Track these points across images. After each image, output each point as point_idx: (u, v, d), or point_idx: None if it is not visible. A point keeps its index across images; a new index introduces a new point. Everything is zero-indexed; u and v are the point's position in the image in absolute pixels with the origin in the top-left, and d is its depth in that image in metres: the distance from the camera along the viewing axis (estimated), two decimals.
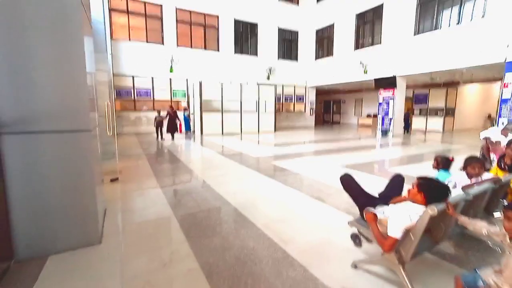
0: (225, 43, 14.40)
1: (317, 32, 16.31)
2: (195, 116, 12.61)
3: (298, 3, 16.48)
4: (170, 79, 13.33)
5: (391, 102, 12.33)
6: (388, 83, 11.97)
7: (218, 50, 14.29)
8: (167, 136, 10.49)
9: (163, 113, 10.53)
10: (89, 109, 2.34)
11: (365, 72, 12.90)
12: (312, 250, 2.41)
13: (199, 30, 13.93)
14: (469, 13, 9.00)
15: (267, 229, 2.78)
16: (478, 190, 2.05)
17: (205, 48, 14.05)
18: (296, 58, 16.91)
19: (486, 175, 2.43)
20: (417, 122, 15.32)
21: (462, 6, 9.24)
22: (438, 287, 1.88)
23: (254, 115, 13.32)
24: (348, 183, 2.47)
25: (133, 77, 12.49)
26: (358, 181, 2.50)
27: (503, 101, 8.18)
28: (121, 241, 2.59)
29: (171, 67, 12.99)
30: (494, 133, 5.30)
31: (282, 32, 16.16)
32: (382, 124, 12.81)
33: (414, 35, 10.73)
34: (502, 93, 8.20)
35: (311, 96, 17.81)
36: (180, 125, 11.10)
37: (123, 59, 12.19)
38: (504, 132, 5.09)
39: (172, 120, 10.33)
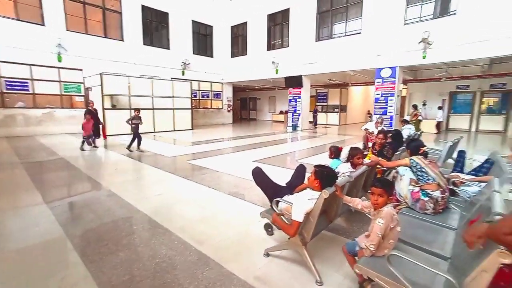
0: (131, 32, 12.80)
1: (232, 28, 16.55)
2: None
3: None
4: (59, 69, 10.93)
5: (298, 100, 13.82)
6: (296, 81, 13.36)
7: (122, 39, 12.59)
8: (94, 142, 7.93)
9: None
10: None
11: (277, 72, 13.98)
12: (228, 246, 2.43)
13: (96, 13, 11.90)
14: (353, 28, 11.05)
15: (182, 233, 2.64)
16: (358, 173, 2.51)
17: (105, 35, 12.14)
18: (211, 54, 16.70)
19: (365, 161, 3.00)
20: (320, 117, 17.75)
21: (346, 23, 11.31)
22: (333, 258, 2.21)
23: (169, 112, 12.49)
24: (259, 176, 2.61)
25: None
26: (269, 173, 2.67)
27: (376, 100, 10.45)
28: None
29: (59, 54, 10.65)
30: (371, 126, 6.68)
31: (196, 26, 15.61)
32: (292, 120, 14.22)
33: (316, 41, 12.31)
34: (375, 94, 10.45)
35: (228, 93, 18.03)
36: (104, 127, 8.83)
37: None
38: (376, 124, 6.49)
39: (95, 121, 7.91)
